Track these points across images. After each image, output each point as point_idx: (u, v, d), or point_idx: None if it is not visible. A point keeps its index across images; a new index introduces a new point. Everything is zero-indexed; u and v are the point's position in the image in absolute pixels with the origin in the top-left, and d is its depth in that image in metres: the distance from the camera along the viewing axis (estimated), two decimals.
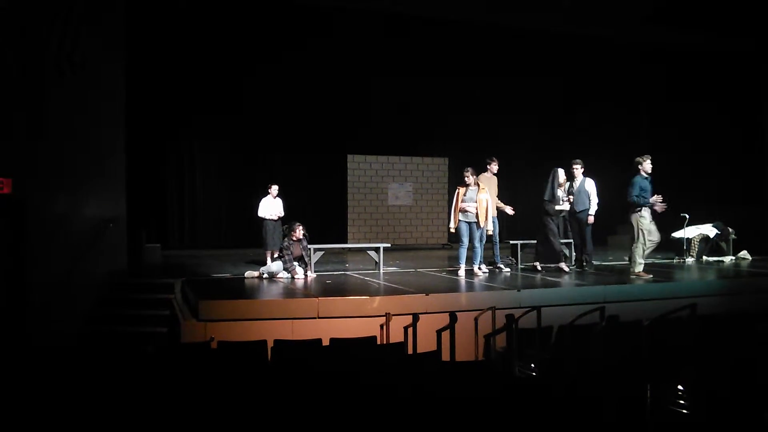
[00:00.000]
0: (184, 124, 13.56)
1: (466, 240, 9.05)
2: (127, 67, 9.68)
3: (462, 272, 9.08)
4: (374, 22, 13.07)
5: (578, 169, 9.68)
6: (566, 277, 9.08)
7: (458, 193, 9.14)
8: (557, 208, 9.40)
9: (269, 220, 10.55)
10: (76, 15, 8.74)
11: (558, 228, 9.57)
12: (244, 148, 14.06)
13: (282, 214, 10.63)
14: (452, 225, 9.18)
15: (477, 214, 9.05)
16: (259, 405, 3.58)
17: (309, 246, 9.23)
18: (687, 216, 11.34)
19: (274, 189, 10.69)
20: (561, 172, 9.41)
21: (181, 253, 12.92)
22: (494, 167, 9.88)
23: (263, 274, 8.93)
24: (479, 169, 9.57)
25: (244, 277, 8.99)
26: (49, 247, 8.75)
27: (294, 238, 8.90)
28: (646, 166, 8.72)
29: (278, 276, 8.80)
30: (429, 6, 12.48)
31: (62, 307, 8.31)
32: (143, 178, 11.50)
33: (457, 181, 15.46)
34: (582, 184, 9.60)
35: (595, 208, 9.54)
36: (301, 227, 8.98)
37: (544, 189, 9.44)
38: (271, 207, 10.61)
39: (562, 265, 9.48)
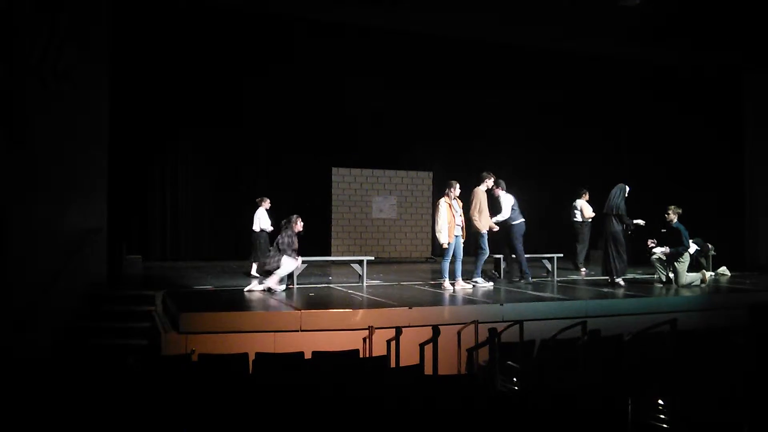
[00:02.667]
0: (167, 136, 13.50)
1: (451, 254, 9.08)
2: (111, 79, 9.63)
3: (448, 285, 9.09)
4: (360, 37, 13.16)
5: (496, 184, 10.06)
6: (548, 292, 9.15)
7: (448, 206, 8.98)
8: (635, 222, 9.71)
9: (267, 232, 10.81)
10: (61, 25, 8.68)
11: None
12: (227, 161, 14.01)
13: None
14: (448, 240, 8.94)
15: (462, 227, 9.14)
16: (240, 418, 3.55)
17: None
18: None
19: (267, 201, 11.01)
20: (627, 188, 9.68)
21: (162, 264, 12.80)
22: (490, 182, 9.89)
23: (266, 288, 8.70)
24: (475, 183, 9.67)
25: (248, 291, 8.73)
26: (29, 258, 8.62)
27: (296, 230, 8.81)
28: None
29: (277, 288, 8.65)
30: (417, 21, 12.60)
31: (42, 319, 8.18)
32: (125, 189, 11.39)
33: (441, 194, 15.62)
34: (499, 198, 10.06)
35: (502, 218, 9.95)
36: (300, 219, 8.91)
37: (610, 204, 9.59)
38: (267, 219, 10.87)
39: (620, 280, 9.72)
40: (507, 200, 10.10)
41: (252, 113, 13.76)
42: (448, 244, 8.92)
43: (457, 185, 9.19)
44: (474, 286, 9.41)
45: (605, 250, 9.84)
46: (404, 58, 13.76)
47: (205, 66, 12.90)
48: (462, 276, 9.32)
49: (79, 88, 9.09)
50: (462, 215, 9.18)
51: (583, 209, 11.80)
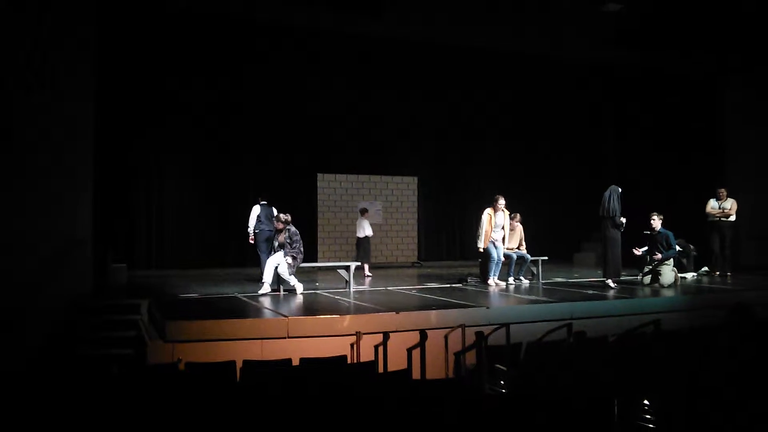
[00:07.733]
0: (152, 143, 13.43)
1: (487, 257, 10.31)
2: (96, 84, 9.56)
3: (491, 282, 10.20)
4: (346, 43, 13.20)
5: (259, 200, 10.93)
6: (531, 293, 9.21)
7: (490, 217, 10.09)
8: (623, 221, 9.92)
9: (370, 237, 12.03)
10: (46, 29, 8.59)
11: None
12: (213, 168, 13.96)
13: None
14: (483, 246, 10.14)
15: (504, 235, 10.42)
16: (228, 427, 3.54)
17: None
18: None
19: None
20: (619, 190, 9.87)
21: (148, 273, 12.71)
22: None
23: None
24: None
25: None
26: (11, 266, 8.52)
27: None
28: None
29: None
30: (404, 27, 12.67)
31: (26, 328, 8.09)
32: (110, 197, 11.32)
33: (425, 199, 15.66)
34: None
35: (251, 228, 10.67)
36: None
37: (606, 206, 9.70)
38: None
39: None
40: (254, 211, 10.75)
41: (237, 120, 13.75)
42: (483, 249, 10.12)
43: (502, 199, 10.20)
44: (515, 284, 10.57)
45: (603, 252, 10.04)
46: (390, 63, 13.84)
47: (192, 73, 12.89)
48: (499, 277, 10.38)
49: (63, 93, 9.00)
50: (503, 225, 10.25)
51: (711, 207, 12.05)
